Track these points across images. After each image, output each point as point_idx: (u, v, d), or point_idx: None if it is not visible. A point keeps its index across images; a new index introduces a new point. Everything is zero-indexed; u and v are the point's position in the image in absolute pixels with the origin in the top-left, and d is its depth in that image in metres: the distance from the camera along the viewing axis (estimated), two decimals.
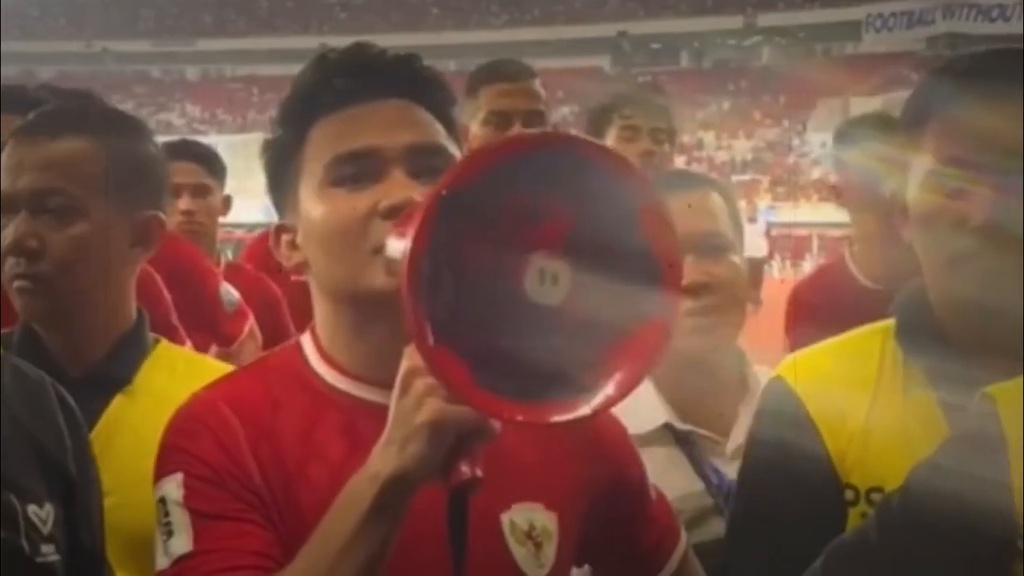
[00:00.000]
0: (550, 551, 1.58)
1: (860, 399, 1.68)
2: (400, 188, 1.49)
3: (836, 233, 35.28)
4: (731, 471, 2.03)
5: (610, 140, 3.57)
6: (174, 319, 2.53)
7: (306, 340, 1.63)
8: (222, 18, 71.16)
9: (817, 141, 54.40)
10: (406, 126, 1.55)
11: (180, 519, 1.47)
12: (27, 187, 1.90)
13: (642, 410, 2.05)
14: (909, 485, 1.45)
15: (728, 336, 2.19)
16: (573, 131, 3.29)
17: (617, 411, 1.42)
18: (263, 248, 5.09)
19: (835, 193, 3.72)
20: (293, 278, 1.62)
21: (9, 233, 1.90)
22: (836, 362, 1.75)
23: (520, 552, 1.56)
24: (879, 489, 1.63)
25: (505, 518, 1.55)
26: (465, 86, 3.42)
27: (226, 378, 1.68)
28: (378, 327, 1.52)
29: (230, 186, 4.33)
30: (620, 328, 1.26)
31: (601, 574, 1.81)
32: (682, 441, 2.14)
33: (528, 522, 1.57)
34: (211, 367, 2.09)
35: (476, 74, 3.50)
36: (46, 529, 1.56)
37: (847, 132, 3.62)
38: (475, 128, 3.38)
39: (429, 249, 1.19)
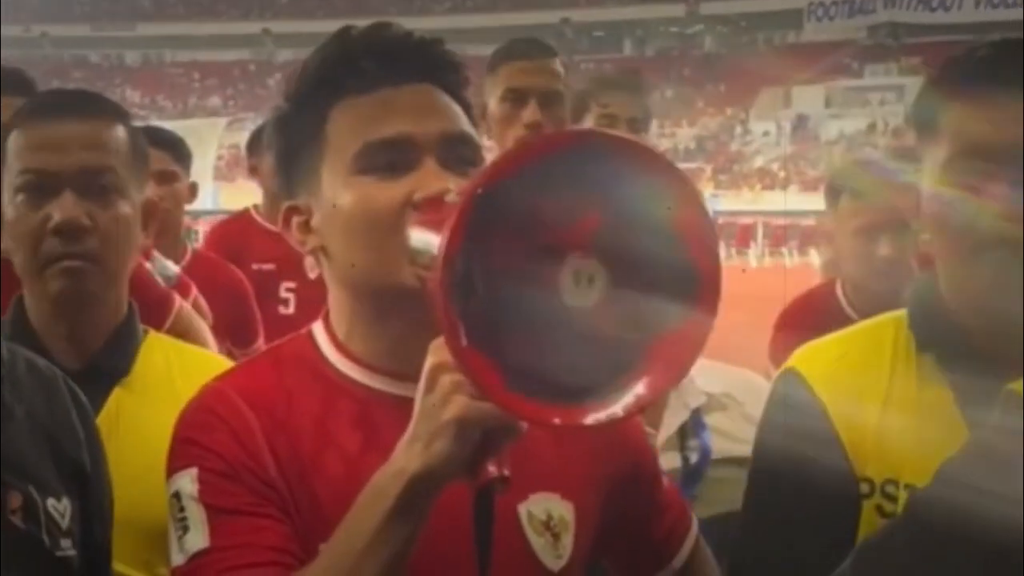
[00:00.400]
0: (568, 541, 1.56)
1: (875, 389, 1.67)
2: (435, 179, 1.46)
3: (781, 221, 35.60)
4: (664, 462, 2.01)
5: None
6: None
7: (318, 329, 1.59)
8: (162, 3, 70.58)
9: (759, 130, 54.83)
10: (436, 113, 1.52)
11: (196, 514, 1.44)
12: (77, 165, 1.87)
13: None
14: (937, 484, 1.44)
15: None
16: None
17: None
18: (226, 235, 5.06)
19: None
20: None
21: (55, 212, 1.85)
22: (849, 352, 1.74)
23: (539, 543, 1.54)
24: (894, 481, 1.63)
25: (522, 508, 1.53)
26: (487, 65, 3.40)
27: (238, 368, 1.65)
28: (399, 319, 1.49)
29: None
30: (655, 329, 1.24)
31: (613, 565, 1.79)
32: None
33: (546, 512, 1.55)
34: (201, 357, 2.08)
35: (497, 52, 3.47)
36: (64, 523, 1.54)
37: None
38: (492, 105, 3.34)
39: (463, 249, 1.17)
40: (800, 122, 53.67)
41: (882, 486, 1.64)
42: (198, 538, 1.43)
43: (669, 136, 52.73)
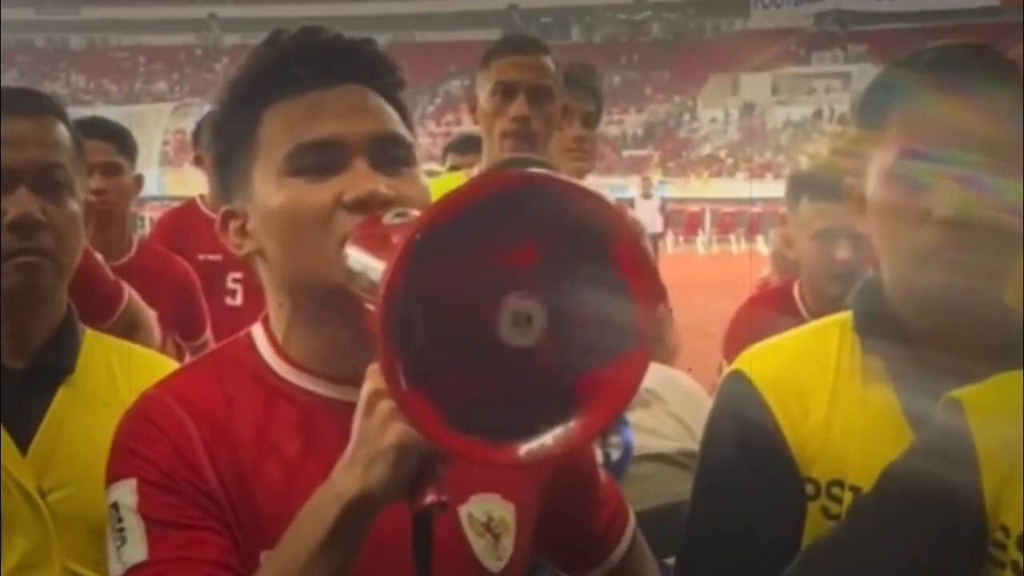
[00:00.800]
0: (508, 542, 1.57)
1: (820, 391, 1.68)
2: (365, 179, 1.45)
3: (729, 209, 35.77)
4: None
5: None
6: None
7: (258, 332, 1.58)
8: None
9: (707, 117, 55.04)
10: (367, 114, 1.52)
11: (134, 526, 1.43)
12: (34, 161, 1.86)
13: None
14: (880, 488, 1.45)
15: None
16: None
17: None
18: (172, 226, 5.03)
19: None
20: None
21: (10, 207, 1.84)
22: (794, 354, 1.75)
23: (479, 544, 1.54)
24: (839, 482, 1.64)
25: (463, 511, 1.53)
26: (480, 60, 3.43)
27: (177, 374, 1.64)
28: (336, 320, 1.48)
29: None
30: (594, 363, 1.25)
31: (554, 561, 1.80)
32: None
33: (486, 514, 1.55)
34: (140, 355, 2.06)
35: (490, 48, 3.48)
36: None
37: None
38: (483, 99, 3.35)
39: (403, 289, 1.18)
40: (747, 109, 53.91)
41: (827, 487, 1.64)
42: (136, 550, 1.42)
43: (617, 123, 52.86)
